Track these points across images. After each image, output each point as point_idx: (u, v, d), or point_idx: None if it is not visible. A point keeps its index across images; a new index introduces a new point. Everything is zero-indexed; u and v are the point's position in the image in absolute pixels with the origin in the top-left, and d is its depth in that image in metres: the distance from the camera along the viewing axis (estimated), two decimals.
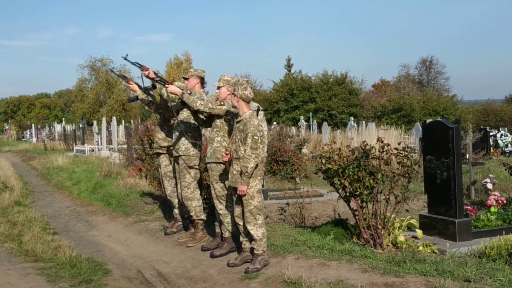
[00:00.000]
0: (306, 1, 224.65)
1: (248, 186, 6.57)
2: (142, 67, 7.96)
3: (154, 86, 8.17)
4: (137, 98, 8.87)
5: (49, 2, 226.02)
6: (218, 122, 7.42)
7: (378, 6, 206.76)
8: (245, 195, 6.60)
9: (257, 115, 7.65)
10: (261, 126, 6.79)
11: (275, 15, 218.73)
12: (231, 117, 7.29)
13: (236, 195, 6.77)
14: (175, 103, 7.80)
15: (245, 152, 6.53)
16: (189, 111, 7.86)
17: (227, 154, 6.88)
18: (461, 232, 7.53)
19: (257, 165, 6.55)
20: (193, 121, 7.97)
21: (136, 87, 8.70)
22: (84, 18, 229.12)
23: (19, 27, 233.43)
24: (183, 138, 8.03)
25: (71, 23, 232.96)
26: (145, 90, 8.54)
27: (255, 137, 6.49)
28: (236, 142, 6.71)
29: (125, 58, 7.99)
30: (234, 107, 6.86)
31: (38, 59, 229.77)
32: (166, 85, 7.63)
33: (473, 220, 7.98)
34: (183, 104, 7.61)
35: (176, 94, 7.47)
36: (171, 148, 8.37)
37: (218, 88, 7.49)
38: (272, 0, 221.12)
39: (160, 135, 8.86)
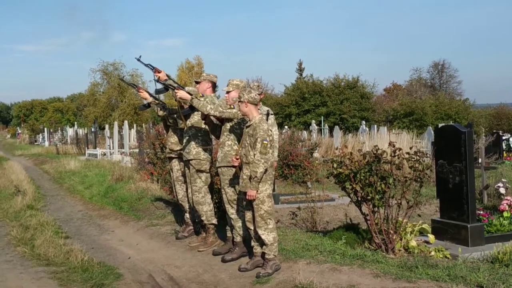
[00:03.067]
0: (317, 5, 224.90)
1: (258, 191, 6.57)
2: (154, 69, 8.03)
3: (166, 89, 8.20)
4: (148, 105, 8.91)
5: (62, 7, 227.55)
6: (228, 126, 7.42)
7: (390, 9, 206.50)
8: (255, 200, 6.60)
9: (267, 119, 7.66)
10: (271, 130, 6.78)
11: (285, 19, 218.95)
12: (241, 122, 7.28)
13: (246, 200, 6.77)
14: (185, 109, 7.83)
15: (254, 157, 6.53)
16: (199, 116, 7.88)
17: (237, 159, 6.88)
18: (474, 237, 7.47)
19: (266, 170, 6.55)
20: (203, 126, 7.98)
21: (146, 95, 8.74)
22: (97, 23, 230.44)
23: (33, 32, 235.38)
24: (193, 142, 8.05)
25: (85, 27, 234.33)
26: (156, 92, 8.57)
27: (264, 141, 6.49)
28: (245, 147, 6.71)
29: (138, 60, 8.05)
30: (244, 114, 6.85)
31: (51, 64, 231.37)
32: (176, 90, 7.67)
33: (485, 225, 7.92)
34: (192, 109, 7.64)
35: (186, 99, 7.51)
36: (183, 152, 8.38)
37: (227, 92, 7.52)
38: (283, 5, 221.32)
39: (172, 139, 8.88)
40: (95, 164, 22.21)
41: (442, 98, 45.68)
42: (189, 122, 8.11)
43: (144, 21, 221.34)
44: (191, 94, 7.53)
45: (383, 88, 67.83)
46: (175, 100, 8.17)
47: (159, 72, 8.03)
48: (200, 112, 7.71)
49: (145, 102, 8.97)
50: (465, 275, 5.94)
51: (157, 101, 8.80)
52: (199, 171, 8.08)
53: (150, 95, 8.78)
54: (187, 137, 8.16)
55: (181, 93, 7.59)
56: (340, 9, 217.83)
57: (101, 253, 8.48)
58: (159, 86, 8.18)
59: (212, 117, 7.56)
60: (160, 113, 8.86)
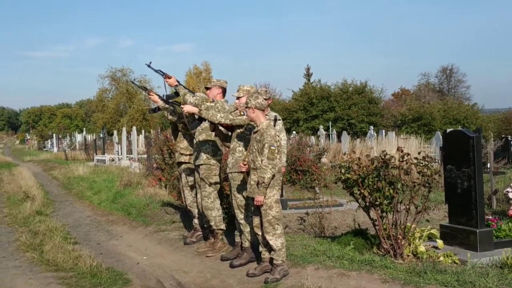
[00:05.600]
0: (325, 10, 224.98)
1: (265, 196, 6.57)
2: (165, 75, 8.06)
3: (177, 94, 8.23)
4: (158, 108, 8.92)
5: (72, 13, 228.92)
6: (238, 131, 7.43)
7: (398, 14, 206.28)
8: (262, 205, 6.60)
9: (275, 125, 7.66)
10: (278, 136, 6.78)
11: (293, 25, 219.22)
12: (251, 128, 7.28)
13: (254, 205, 6.77)
14: (194, 122, 7.81)
15: (262, 162, 6.53)
16: (207, 132, 7.91)
17: (245, 165, 6.88)
18: (483, 242, 7.45)
19: (274, 175, 6.55)
20: (212, 138, 7.99)
21: (156, 98, 8.75)
22: (106, 29, 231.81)
23: (43, 38, 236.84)
24: (203, 148, 8.05)
25: (94, 33, 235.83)
26: (167, 97, 8.59)
27: (272, 147, 6.49)
28: (253, 153, 6.71)
29: (148, 66, 8.08)
30: (252, 120, 6.85)
31: (60, 70, 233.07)
32: (182, 106, 7.65)
33: (494, 230, 7.90)
34: (201, 121, 7.63)
35: (194, 113, 7.48)
36: (192, 157, 8.39)
37: (238, 98, 7.53)
38: (290, 10, 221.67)
39: (182, 144, 8.88)
40: (103, 170, 22.29)
41: (451, 103, 45.60)
42: (196, 139, 8.13)
43: (152, 27, 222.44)
44: (197, 106, 7.55)
45: (391, 93, 67.71)
46: (184, 116, 8.15)
47: (170, 77, 8.06)
48: (207, 125, 7.73)
49: (154, 106, 8.99)
50: (474, 281, 5.91)
51: (167, 106, 8.81)
52: (208, 176, 8.09)
53: (161, 98, 8.80)
54: (196, 142, 8.17)
55: (187, 108, 7.55)
56: (347, 14, 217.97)
57: (109, 258, 8.50)
58: (169, 91, 8.20)
59: (221, 128, 7.58)
60: (170, 117, 8.88)
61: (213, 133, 7.98)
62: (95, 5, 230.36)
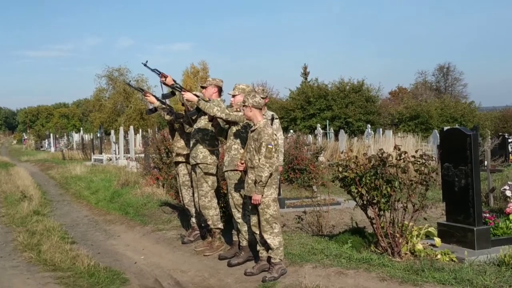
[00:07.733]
0: (322, 10, 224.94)
1: (263, 195, 6.57)
2: (161, 74, 8.07)
3: (173, 93, 8.24)
4: (155, 109, 8.93)
5: (70, 12, 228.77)
6: (234, 129, 7.44)
7: (395, 13, 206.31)
8: (260, 204, 6.60)
9: (272, 124, 7.66)
10: (275, 135, 6.79)
11: (290, 24, 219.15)
12: (247, 126, 7.28)
13: (251, 204, 6.77)
14: (191, 111, 7.87)
15: (259, 161, 6.53)
16: (206, 119, 7.91)
17: (242, 164, 6.88)
18: (480, 240, 7.45)
19: (271, 174, 6.55)
20: (210, 128, 7.99)
21: (153, 99, 8.77)
22: (104, 28, 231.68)
23: (42, 38, 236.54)
24: (200, 146, 8.06)
25: (92, 33, 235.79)
26: (163, 97, 8.61)
27: (269, 146, 6.49)
28: (250, 151, 6.72)
29: (145, 65, 8.08)
30: (249, 119, 6.86)
31: (59, 69, 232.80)
32: (183, 92, 7.74)
33: (492, 228, 7.90)
34: (198, 111, 7.67)
35: (192, 101, 7.56)
36: (190, 156, 8.39)
37: (233, 96, 7.55)
38: (288, 9, 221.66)
39: (179, 144, 8.89)
40: (101, 169, 22.26)
41: (448, 101, 45.58)
42: (196, 126, 8.13)
43: (151, 26, 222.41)
44: (198, 96, 7.58)
45: (388, 91, 67.80)
46: (182, 104, 8.21)
47: (166, 77, 8.08)
48: (206, 116, 7.75)
49: (151, 106, 9.00)
50: (471, 278, 5.92)
51: (163, 105, 8.83)
52: (206, 174, 8.08)
53: (157, 99, 8.82)
54: (193, 141, 8.18)
55: (188, 95, 7.66)
56: (345, 13, 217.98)
57: (107, 258, 8.49)
58: (166, 91, 8.20)
59: (219, 120, 7.59)
60: (167, 117, 8.88)
61: (210, 131, 7.98)
62: (94, 4, 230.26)
